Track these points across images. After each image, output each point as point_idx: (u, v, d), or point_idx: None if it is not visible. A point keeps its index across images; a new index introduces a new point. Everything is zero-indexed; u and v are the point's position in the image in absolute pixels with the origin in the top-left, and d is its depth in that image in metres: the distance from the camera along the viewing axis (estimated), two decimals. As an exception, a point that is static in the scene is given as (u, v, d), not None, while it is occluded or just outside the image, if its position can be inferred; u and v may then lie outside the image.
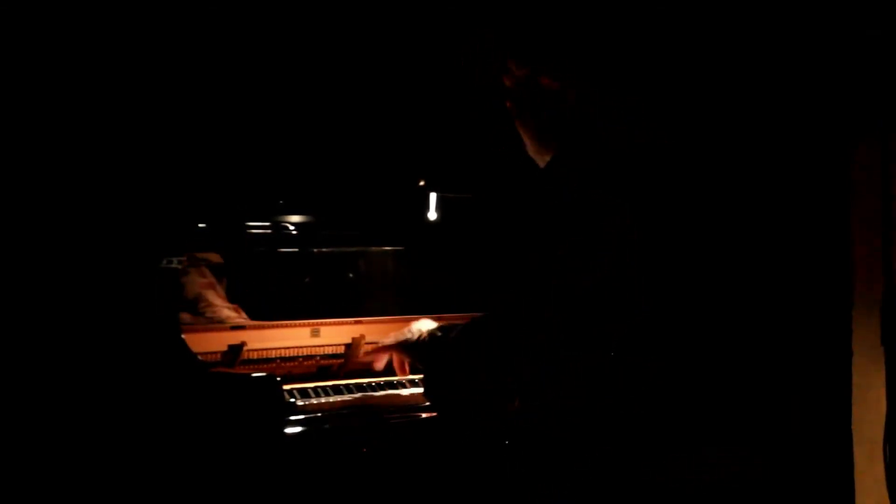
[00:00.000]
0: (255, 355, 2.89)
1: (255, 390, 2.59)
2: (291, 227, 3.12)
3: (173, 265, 2.83)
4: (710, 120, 2.30)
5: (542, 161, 2.16)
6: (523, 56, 2.11)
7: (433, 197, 3.24)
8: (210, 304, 2.94)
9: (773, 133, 2.31)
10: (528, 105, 2.14)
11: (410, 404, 2.79)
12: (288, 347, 2.94)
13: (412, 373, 2.60)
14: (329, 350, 2.99)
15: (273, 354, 2.92)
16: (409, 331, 2.40)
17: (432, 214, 3.25)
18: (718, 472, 1.85)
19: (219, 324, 2.90)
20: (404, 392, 2.86)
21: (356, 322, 3.02)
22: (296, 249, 3.12)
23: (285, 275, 3.10)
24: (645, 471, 1.88)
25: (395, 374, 2.70)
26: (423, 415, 2.76)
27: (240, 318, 2.96)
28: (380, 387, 2.88)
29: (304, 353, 2.96)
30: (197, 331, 2.82)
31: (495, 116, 2.34)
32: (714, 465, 1.85)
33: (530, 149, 2.19)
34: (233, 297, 3.05)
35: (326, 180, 3.17)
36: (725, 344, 1.88)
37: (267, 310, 3.01)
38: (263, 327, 2.93)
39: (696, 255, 1.90)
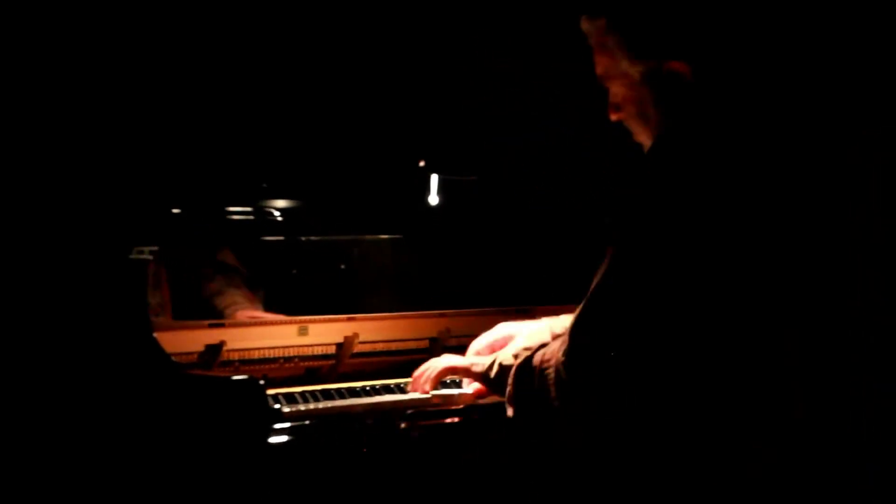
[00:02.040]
0: (235, 356, 2.82)
1: (235, 395, 2.53)
2: (276, 213, 3.08)
3: (144, 255, 2.73)
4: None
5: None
6: (647, 47, 2.18)
7: (435, 179, 3.22)
8: (234, 303, 2.95)
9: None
10: (650, 98, 2.21)
11: (411, 410, 2.74)
12: (272, 347, 2.87)
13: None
14: (318, 350, 2.93)
15: (256, 355, 2.85)
16: (478, 357, 2.53)
17: (434, 199, 3.22)
18: (733, 468, 1.92)
19: (194, 321, 2.81)
20: (404, 396, 2.78)
21: (349, 319, 2.96)
22: (281, 237, 3.07)
23: (269, 266, 3.05)
24: (663, 469, 1.97)
25: (388, 377, 2.79)
26: (427, 422, 2.73)
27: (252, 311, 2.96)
28: (376, 391, 2.80)
29: (291, 354, 2.89)
30: (170, 329, 2.73)
31: (504, 90, 2.41)
32: (728, 461, 1.93)
33: (643, 139, 2.26)
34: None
35: (315, 161, 3.19)
36: (739, 338, 1.96)
37: (249, 305, 2.97)
38: (245, 325, 2.87)
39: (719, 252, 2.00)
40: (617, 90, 2.27)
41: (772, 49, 2.29)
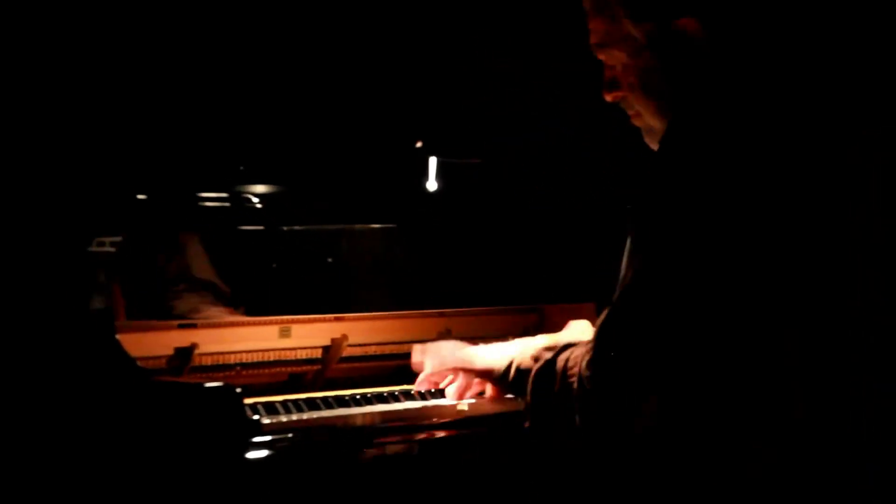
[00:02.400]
0: (208, 361, 2.76)
1: (208, 405, 2.47)
2: (255, 199, 3.01)
3: (105, 248, 2.68)
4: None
5: (660, 126, 2.20)
6: (653, 4, 2.13)
7: (433, 162, 3.16)
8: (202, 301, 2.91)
9: None
10: (656, 66, 2.17)
11: (406, 422, 2.69)
12: (251, 351, 2.80)
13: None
14: (302, 354, 2.86)
15: (232, 360, 2.78)
16: (488, 356, 2.52)
17: (432, 184, 3.16)
18: (733, 468, 1.95)
19: (163, 321, 2.76)
20: (398, 406, 2.73)
21: (337, 319, 2.90)
22: (260, 227, 3.00)
23: (247, 259, 2.97)
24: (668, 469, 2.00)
25: (381, 384, 2.76)
26: (422, 435, 2.68)
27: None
28: (367, 400, 2.74)
29: (272, 359, 2.83)
30: (134, 331, 2.66)
31: (511, 61, 2.58)
32: (728, 461, 1.95)
33: (647, 118, 2.22)
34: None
35: (300, 141, 3.11)
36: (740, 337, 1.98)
37: (224, 303, 2.90)
38: (219, 326, 2.81)
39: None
40: (616, 60, 2.21)
41: (771, 48, 2.23)
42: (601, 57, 2.22)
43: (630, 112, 2.23)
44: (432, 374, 2.70)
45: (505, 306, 3.05)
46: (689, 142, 2.08)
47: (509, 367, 2.42)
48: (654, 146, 2.20)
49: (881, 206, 2.05)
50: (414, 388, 2.75)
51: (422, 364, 2.71)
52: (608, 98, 2.24)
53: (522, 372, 2.35)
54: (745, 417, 1.94)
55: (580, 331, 2.52)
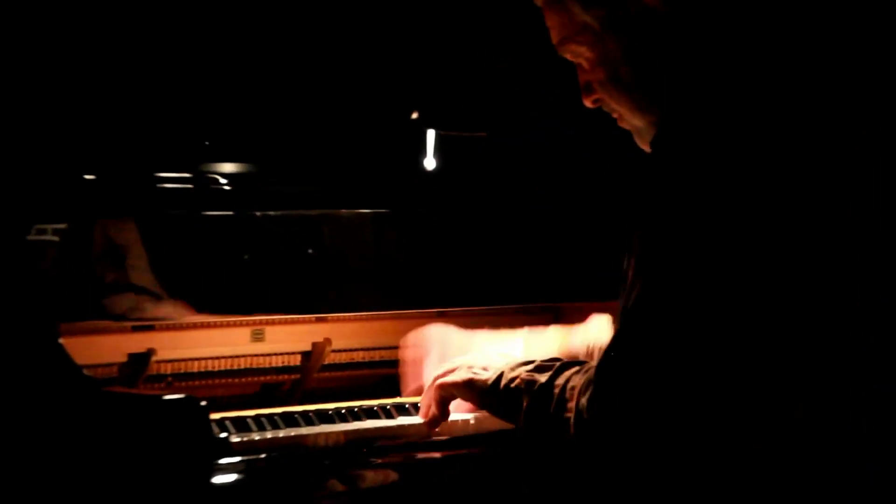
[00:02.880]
0: (168, 369, 2.69)
1: (168, 420, 2.36)
2: (222, 180, 2.91)
3: (46, 236, 2.61)
4: None
5: (643, 125, 2.20)
6: None
7: (431, 136, 3.08)
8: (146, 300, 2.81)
9: None
10: (619, 51, 2.15)
11: (399, 441, 2.59)
12: (217, 358, 2.74)
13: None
14: (278, 361, 2.80)
15: (195, 368, 2.72)
16: (471, 363, 2.45)
17: (430, 162, 3.08)
18: (733, 468, 1.99)
19: (115, 322, 2.66)
20: (391, 423, 2.64)
21: (318, 320, 2.83)
22: (229, 212, 2.89)
23: (213, 249, 2.85)
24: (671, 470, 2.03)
25: (370, 396, 2.73)
26: (420, 455, 2.59)
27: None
28: (354, 415, 2.65)
29: (242, 366, 2.77)
30: (81, 333, 2.57)
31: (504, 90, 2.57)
32: (728, 461, 1.99)
33: (628, 117, 2.22)
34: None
35: (274, 112, 3.01)
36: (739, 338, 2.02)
37: (186, 302, 2.77)
38: (181, 328, 2.73)
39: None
40: (580, 57, 2.21)
41: (770, 48, 2.23)
42: (567, 56, 2.22)
43: (613, 115, 2.23)
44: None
45: (516, 305, 3.01)
46: (680, 147, 2.08)
47: (498, 381, 2.36)
48: (646, 147, 2.20)
49: (881, 205, 2.13)
50: (419, 399, 2.67)
51: (416, 360, 2.67)
52: (587, 103, 2.24)
53: (513, 392, 2.31)
54: (745, 417, 1.98)
55: (598, 328, 2.54)
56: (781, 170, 2.09)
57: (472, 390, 2.45)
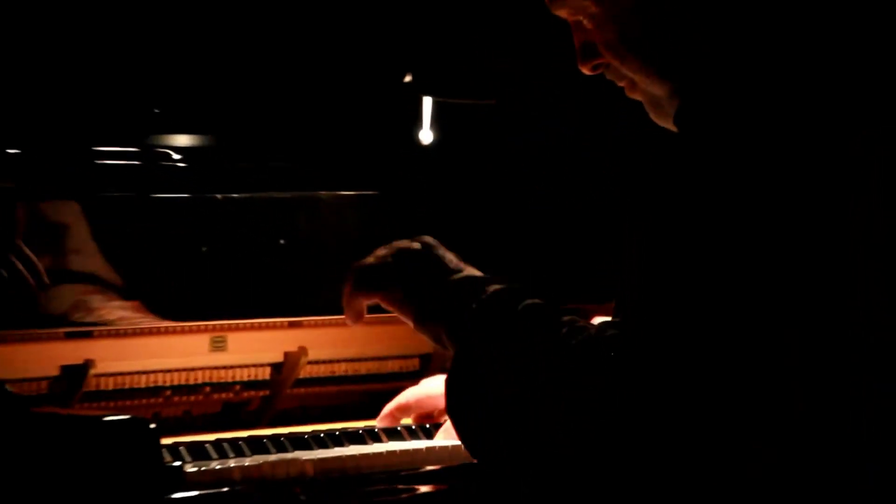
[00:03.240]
0: (110, 384, 2.47)
1: (110, 446, 2.18)
2: (175, 155, 2.69)
3: None
4: None
5: (663, 93, 2.05)
6: None
7: (427, 104, 2.89)
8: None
9: None
10: (633, 5, 2.03)
11: (389, 470, 2.37)
12: (170, 371, 2.52)
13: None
14: (243, 375, 2.60)
15: (142, 383, 2.50)
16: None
17: (426, 134, 2.89)
18: (733, 468, 1.96)
19: (43, 328, 2.46)
20: (378, 449, 2.41)
21: (291, 325, 2.65)
22: (184, 195, 2.68)
23: (165, 239, 2.64)
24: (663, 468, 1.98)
25: (353, 418, 2.63)
26: (421, 488, 2.41)
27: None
28: (335, 440, 2.45)
29: (200, 381, 2.56)
30: (3, 342, 2.39)
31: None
32: (728, 461, 1.96)
33: (644, 84, 2.06)
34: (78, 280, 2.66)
35: (239, 73, 2.82)
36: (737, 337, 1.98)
37: (132, 303, 2.58)
38: (125, 335, 2.53)
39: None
40: (580, 11, 2.03)
41: (769, 48, 2.12)
42: (561, 14, 2.05)
43: (621, 83, 2.07)
44: (402, 405, 2.55)
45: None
46: (716, 128, 1.97)
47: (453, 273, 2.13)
48: (667, 123, 2.05)
49: (882, 205, 2.04)
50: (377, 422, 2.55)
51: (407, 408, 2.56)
52: (586, 70, 2.08)
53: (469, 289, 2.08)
54: (745, 417, 1.95)
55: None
56: (791, 164, 2.00)
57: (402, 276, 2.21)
